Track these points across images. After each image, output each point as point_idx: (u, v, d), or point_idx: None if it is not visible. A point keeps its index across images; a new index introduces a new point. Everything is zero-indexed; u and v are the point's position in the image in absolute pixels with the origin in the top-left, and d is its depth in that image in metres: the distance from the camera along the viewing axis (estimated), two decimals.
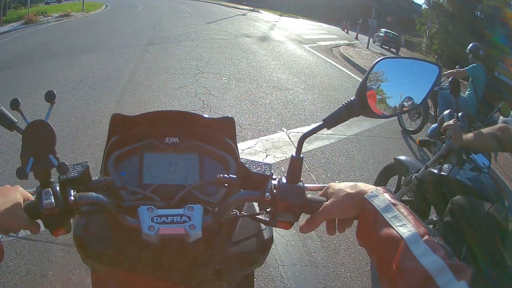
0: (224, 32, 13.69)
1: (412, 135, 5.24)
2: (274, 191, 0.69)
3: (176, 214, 0.68)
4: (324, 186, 0.73)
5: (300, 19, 26.99)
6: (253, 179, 0.72)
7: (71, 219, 0.68)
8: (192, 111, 0.96)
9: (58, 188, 0.66)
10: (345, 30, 22.68)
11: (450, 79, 2.24)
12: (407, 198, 2.52)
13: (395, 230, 0.55)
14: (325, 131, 0.74)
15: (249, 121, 5.02)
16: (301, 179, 0.70)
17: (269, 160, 3.84)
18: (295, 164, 0.70)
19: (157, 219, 0.66)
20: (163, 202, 0.76)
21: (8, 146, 3.88)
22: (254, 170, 0.72)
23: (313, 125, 0.70)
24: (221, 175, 0.73)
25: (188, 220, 0.67)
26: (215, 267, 0.79)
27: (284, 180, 0.70)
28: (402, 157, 2.61)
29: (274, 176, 0.73)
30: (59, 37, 11.61)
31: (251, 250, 0.85)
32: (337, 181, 0.73)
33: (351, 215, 0.66)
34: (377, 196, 0.62)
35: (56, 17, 17.86)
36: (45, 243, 2.48)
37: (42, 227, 0.67)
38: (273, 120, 5.09)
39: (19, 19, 17.01)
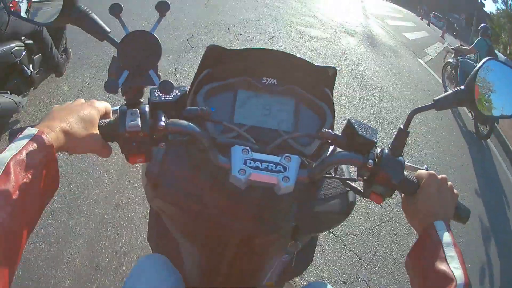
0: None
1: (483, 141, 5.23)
2: (376, 159, 0.63)
3: (272, 161, 0.62)
4: (420, 169, 0.70)
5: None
6: (357, 142, 0.65)
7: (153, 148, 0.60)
8: (296, 55, 0.82)
9: (147, 109, 0.58)
10: (420, 17, 22.07)
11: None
12: None
13: (450, 269, 0.54)
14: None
15: None
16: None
17: None
18: (401, 136, 0.64)
19: (250, 163, 0.61)
20: (258, 146, 0.70)
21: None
22: (361, 133, 0.64)
23: (426, 104, 0.66)
24: (326, 129, 0.66)
25: (283, 170, 0.61)
26: (295, 223, 0.75)
27: (386, 151, 0.64)
28: None
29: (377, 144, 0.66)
30: None
31: (335, 211, 0.80)
32: (427, 168, 0.70)
33: (418, 223, 0.65)
34: (445, 230, 0.60)
35: None
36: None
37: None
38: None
39: None
